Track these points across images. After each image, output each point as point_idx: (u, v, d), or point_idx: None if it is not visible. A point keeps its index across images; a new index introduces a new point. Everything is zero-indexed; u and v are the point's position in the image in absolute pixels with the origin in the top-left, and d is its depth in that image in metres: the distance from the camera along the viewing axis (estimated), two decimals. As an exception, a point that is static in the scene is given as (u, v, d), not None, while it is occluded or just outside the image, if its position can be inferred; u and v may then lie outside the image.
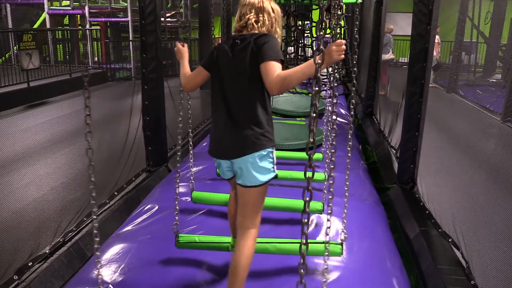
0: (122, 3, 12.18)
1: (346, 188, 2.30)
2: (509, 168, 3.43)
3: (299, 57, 6.63)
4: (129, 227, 2.85)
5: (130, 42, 10.82)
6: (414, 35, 3.47)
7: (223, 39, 2.22)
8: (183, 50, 2.24)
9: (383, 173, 4.43)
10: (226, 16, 6.79)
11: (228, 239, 2.43)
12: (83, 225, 2.97)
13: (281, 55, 1.87)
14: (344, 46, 1.75)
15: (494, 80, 10.94)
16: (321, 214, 2.87)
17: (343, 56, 1.77)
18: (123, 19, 10.81)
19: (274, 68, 1.81)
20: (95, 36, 11.44)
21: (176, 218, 2.37)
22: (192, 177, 2.85)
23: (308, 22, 6.89)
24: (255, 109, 1.92)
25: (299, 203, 2.87)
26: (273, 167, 1.98)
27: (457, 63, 9.44)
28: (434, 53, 7.67)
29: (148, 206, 3.11)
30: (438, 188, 3.60)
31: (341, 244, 2.44)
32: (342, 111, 6.39)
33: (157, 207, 3.07)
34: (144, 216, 2.97)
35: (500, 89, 9.44)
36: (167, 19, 11.27)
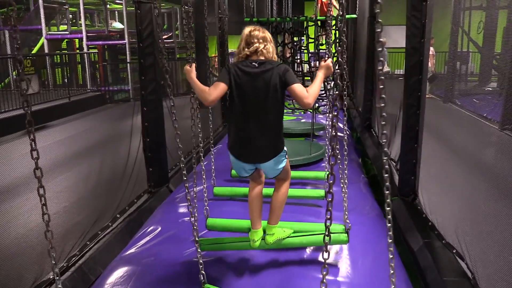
0: (114, 25, 12.33)
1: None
2: (509, 175, 3.45)
3: (297, 73, 6.70)
4: (132, 250, 2.85)
5: (128, 64, 10.91)
6: (409, 49, 3.52)
7: (234, 61, 2.51)
8: (191, 70, 2.46)
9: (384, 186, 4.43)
10: (221, 36, 6.87)
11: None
12: (87, 249, 2.96)
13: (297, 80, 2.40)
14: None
15: (490, 89, 11.03)
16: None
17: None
18: (120, 41, 10.93)
19: (302, 88, 2.34)
20: (93, 59, 11.56)
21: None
22: (206, 203, 2.85)
23: (303, 38, 6.99)
24: (276, 120, 2.42)
25: (305, 227, 2.90)
26: (285, 155, 2.53)
27: (453, 73, 9.53)
28: (429, 65, 7.77)
29: (151, 227, 3.11)
30: (439, 199, 3.61)
31: (347, 232, 2.63)
32: (341, 125, 6.41)
33: (159, 229, 3.07)
34: (147, 238, 2.97)
35: (497, 97, 9.51)
36: (164, 40, 11.43)
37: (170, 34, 12.04)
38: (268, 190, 3.23)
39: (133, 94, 10.32)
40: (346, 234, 2.66)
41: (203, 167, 3.11)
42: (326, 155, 4.25)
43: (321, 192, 3.47)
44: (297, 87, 2.32)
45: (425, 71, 3.48)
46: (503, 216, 2.99)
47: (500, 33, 8.82)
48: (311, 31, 7.47)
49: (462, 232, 2.95)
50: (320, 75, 2.38)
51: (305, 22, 7.49)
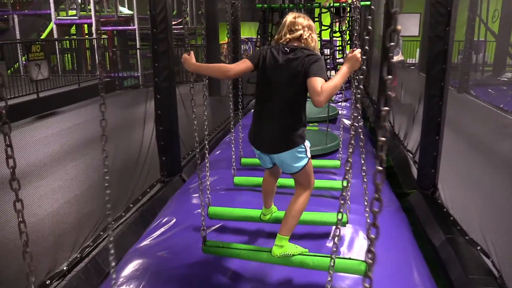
0: (120, 10, 12.17)
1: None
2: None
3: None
4: (147, 241, 2.79)
5: (138, 50, 10.78)
6: (432, 37, 3.38)
7: (269, 45, 2.60)
8: (190, 58, 2.30)
9: (401, 178, 4.33)
10: (233, 23, 6.73)
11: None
12: (100, 240, 2.91)
13: (326, 75, 2.13)
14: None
15: (505, 79, 10.79)
16: (344, 226, 2.77)
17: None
18: (130, 27, 10.79)
19: (318, 84, 2.05)
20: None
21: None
22: (208, 191, 2.75)
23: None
24: (294, 112, 2.26)
25: (319, 216, 2.79)
26: (305, 153, 2.32)
27: (468, 62, 9.31)
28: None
29: (165, 219, 3.04)
30: (460, 193, 3.50)
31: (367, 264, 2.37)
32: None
33: (174, 220, 3.00)
34: (162, 230, 2.90)
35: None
36: (173, 27, 11.29)
37: (180, 20, 11.89)
38: (286, 181, 3.15)
39: (143, 81, 10.21)
40: (365, 264, 2.42)
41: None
42: (341, 145, 4.14)
43: (336, 162, 3.39)
44: (313, 81, 2.07)
45: (449, 60, 3.35)
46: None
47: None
48: (324, 18, 7.32)
49: (487, 228, 2.85)
50: (344, 69, 2.09)
51: (317, 10, 7.37)
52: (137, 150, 3.96)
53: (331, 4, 7.34)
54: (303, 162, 2.32)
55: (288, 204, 2.42)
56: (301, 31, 2.28)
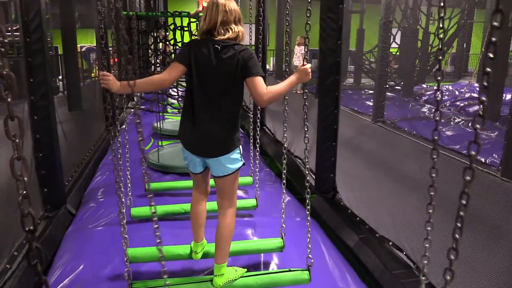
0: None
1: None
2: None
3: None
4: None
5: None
6: (325, 50, 3.58)
7: (196, 39, 2.21)
8: (111, 78, 2.03)
9: (296, 184, 4.50)
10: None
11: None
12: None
13: (262, 71, 2.12)
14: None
15: (346, 84, 12.22)
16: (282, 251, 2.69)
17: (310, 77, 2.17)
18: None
19: (262, 84, 2.08)
20: None
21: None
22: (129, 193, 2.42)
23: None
24: (232, 113, 2.18)
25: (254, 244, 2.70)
26: (240, 157, 2.28)
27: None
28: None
29: (69, 266, 2.54)
30: (356, 193, 3.79)
31: (308, 270, 2.38)
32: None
33: (82, 266, 2.52)
34: (70, 279, 2.41)
35: (357, 92, 10.60)
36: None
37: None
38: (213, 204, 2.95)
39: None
40: (308, 272, 2.39)
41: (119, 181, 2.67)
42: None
43: (252, 202, 3.30)
44: (257, 80, 2.06)
45: (342, 71, 3.59)
46: (412, 204, 3.28)
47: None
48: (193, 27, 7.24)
49: (392, 223, 3.14)
50: (293, 79, 2.12)
51: (185, 19, 7.26)
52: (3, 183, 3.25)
53: (200, 15, 7.31)
54: (237, 165, 2.27)
55: (216, 229, 2.31)
56: (234, 26, 2.12)
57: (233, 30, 2.13)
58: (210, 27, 2.12)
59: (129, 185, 3.13)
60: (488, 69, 1.04)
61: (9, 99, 0.98)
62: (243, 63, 2.08)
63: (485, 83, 1.03)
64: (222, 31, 2.12)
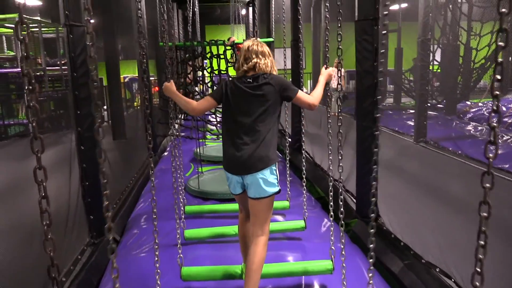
0: (8, 52, 10.89)
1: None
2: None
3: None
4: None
5: (25, 94, 9.50)
6: (361, 72, 3.56)
7: (234, 77, 2.61)
8: (171, 85, 2.62)
9: (336, 208, 4.40)
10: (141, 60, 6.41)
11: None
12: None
13: (295, 86, 2.52)
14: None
15: (386, 104, 11.99)
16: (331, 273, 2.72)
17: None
18: (14, 70, 9.59)
19: (305, 95, 2.51)
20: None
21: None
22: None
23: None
24: (268, 133, 2.40)
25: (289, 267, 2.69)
26: (277, 182, 2.44)
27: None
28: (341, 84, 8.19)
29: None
30: (400, 218, 3.66)
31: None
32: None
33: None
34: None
35: (404, 112, 10.37)
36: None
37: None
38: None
39: (34, 128, 8.99)
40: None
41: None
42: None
43: (301, 223, 3.29)
44: (302, 96, 2.47)
45: (380, 93, 3.54)
46: (460, 227, 3.12)
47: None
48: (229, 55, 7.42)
49: (435, 248, 2.99)
50: (322, 80, 2.62)
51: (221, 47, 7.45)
52: (52, 210, 3.40)
53: (235, 43, 7.49)
54: (273, 189, 2.41)
55: (247, 257, 2.39)
56: (255, 60, 2.45)
57: (264, 68, 2.48)
58: (244, 68, 2.48)
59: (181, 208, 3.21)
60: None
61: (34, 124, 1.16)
62: (279, 88, 2.43)
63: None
64: (256, 69, 2.47)
